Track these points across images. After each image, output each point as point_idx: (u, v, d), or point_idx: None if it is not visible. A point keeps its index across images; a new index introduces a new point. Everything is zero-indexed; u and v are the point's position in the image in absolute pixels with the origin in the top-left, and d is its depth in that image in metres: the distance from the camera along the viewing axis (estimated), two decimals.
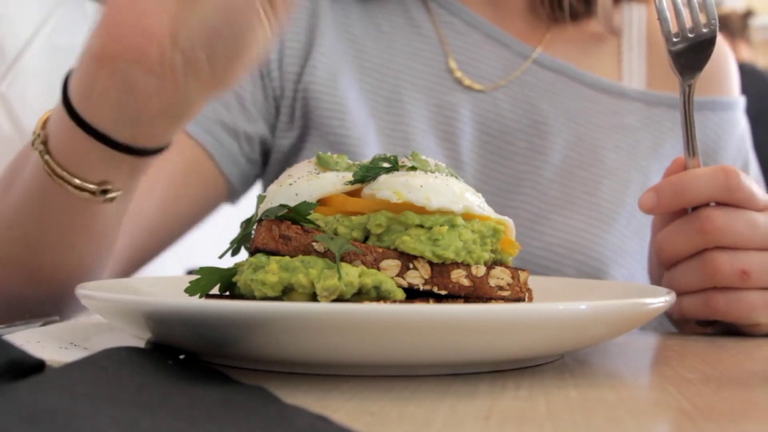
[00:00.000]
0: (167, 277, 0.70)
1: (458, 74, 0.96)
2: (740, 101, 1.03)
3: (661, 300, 0.52)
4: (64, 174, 0.60)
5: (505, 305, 0.49)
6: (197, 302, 0.45)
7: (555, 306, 0.45)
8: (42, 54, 1.00)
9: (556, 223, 0.91)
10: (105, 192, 0.61)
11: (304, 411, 0.35)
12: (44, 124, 0.62)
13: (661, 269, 0.72)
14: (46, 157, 0.60)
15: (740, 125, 1.03)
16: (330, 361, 0.47)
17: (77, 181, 0.61)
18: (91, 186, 0.61)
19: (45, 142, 0.61)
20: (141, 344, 0.50)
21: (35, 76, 0.99)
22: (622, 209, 0.93)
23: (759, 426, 0.39)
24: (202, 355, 0.50)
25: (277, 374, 0.48)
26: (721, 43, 1.03)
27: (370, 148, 0.90)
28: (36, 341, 0.54)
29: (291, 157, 0.94)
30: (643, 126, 0.97)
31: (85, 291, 0.52)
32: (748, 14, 3.58)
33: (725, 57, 1.03)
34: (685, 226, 0.68)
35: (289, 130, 0.95)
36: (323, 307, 0.42)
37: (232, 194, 0.96)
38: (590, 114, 0.97)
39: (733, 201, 0.67)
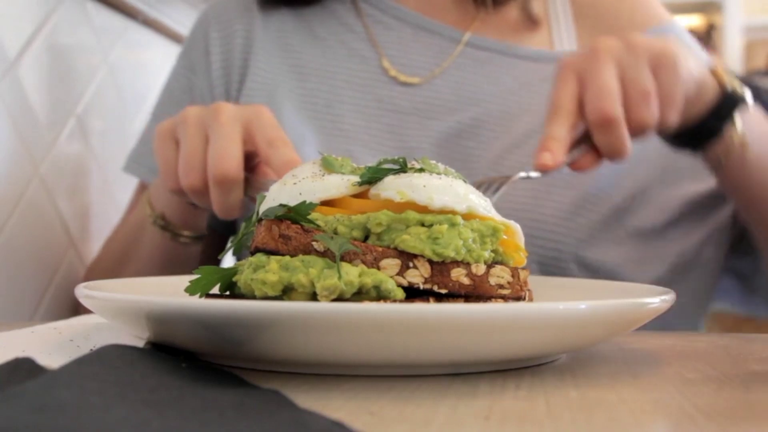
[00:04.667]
0: (167, 278, 0.70)
1: (393, 72, 0.99)
2: (676, 23, 1.05)
3: (659, 300, 0.52)
4: (183, 232, 0.90)
5: (505, 305, 0.49)
6: (198, 301, 0.45)
7: (555, 305, 0.45)
8: (42, 54, 1.00)
9: (506, 195, 0.92)
10: (200, 238, 0.92)
11: (320, 416, 0.35)
12: (150, 205, 0.90)
13: None
14: (170, 228, 0.90)
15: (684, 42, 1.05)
16: (330, 361, 0.47)
17: (187, 233, 0.90)
18: (196, 234, 0.91)
19: (163, 218, 0.89)
20: (140, 344, 0.50)
21: (35, 76, 0.99)
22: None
23: (759, 426, 0.39)
24: (202, 355, 0.50)
25: (277, 374, 0.48)
26: None
27: (310, 149, 0.93)
28: (36, 340, 0.54)
29: None
30: None
31: (86, 290, 0.52)
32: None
33: None
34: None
35: None
36: (323, 306, 0.42)
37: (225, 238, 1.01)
38: (529, 84, 0.98)
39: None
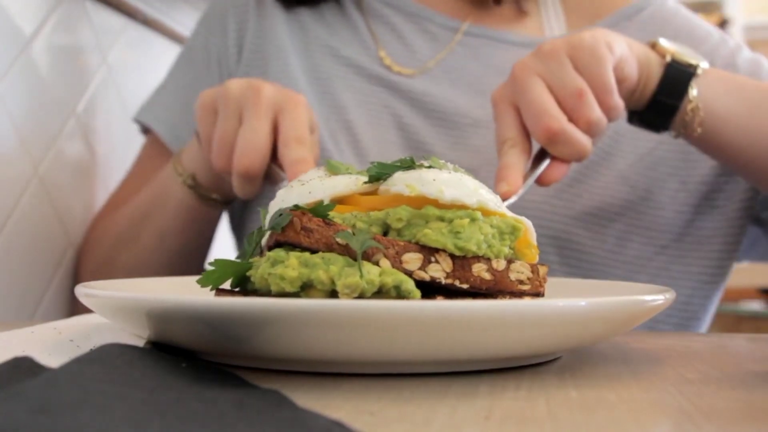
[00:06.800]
0: (167, 278, 0.70)
1: (387, 62, 1.01)
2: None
3: (660, 297, 0.52)
4: (212, 195, 0.92)
5: (505, 302, 0.49)
6: (197, 299, 0.45)
7: (555, 302, 0.45)
8: (42, 54, 1.00)
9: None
10: (229, 202, 0.95)
11: (319, 416, 0.35)
12: (181, 165, 0.92)
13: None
14: (199, 188, 0.92)
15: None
16: (331, 359, 0.47)
17: (215, 196, 0.93)
18: (224, 199, 0.94)
19: (194, 178, 0.91)
20: (140, 344, 0.50)
21: (35, 76, 0.99)
22: None
23: (759, 426, 0.39)
24: (202, 354, 0.50)
25: (277, 374, 0.48)
26: None
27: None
28: (36, 340, 0.54)
29: None
30: None
31: (86, 289, 0.52)
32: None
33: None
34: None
35: None
36: (323, 304, 0.42)
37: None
38: None
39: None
